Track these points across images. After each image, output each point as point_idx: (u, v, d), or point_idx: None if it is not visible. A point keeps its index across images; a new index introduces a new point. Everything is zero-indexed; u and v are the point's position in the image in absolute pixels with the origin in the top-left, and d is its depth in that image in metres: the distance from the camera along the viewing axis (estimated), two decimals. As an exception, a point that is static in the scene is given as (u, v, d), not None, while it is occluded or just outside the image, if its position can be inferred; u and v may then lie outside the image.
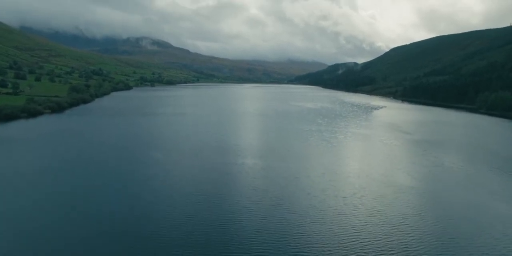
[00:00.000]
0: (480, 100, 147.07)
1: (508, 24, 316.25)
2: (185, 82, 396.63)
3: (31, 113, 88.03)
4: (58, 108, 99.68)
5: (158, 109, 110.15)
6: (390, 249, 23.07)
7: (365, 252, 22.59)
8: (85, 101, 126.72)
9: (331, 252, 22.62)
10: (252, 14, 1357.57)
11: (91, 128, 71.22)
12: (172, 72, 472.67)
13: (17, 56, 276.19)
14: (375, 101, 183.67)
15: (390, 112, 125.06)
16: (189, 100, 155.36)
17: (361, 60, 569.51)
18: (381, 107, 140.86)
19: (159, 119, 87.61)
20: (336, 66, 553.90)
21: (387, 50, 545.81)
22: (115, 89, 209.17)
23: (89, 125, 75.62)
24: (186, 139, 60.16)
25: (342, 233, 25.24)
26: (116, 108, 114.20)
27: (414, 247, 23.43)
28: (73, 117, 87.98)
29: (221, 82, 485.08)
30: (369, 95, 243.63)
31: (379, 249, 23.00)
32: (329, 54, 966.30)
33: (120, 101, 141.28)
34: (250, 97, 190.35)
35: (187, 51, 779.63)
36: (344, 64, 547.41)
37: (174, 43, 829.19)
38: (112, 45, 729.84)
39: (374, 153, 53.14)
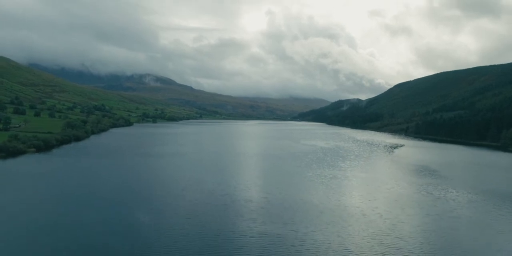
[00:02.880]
0: (506, 137, 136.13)
1: (503, 62, 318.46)
2: (187, 119, 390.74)
3: (11, 153, 77.26)
4: (44, 146, 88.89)
5: (155, 149, 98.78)
6: None
7: None
8: (78, 138, 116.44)
9: None
10: (253, 52, 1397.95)
11: (69, 172, 59.73)
12: (175, 109, 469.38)
13: (21, 92, 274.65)
14: (388, 138, 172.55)
15: (412, 151, 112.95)
16: (190, 138, 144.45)
17: (362, 97, 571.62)
18: (400, 146, 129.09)
19: (154, 161, 75.67)
20: (339, 103, 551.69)
21: (387, 86, 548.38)
22: (115, 125, 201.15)
23: (69, 167, 64.08)
24: (183, 190, 47.74)
25: None
26: (110, 146, 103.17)
27: None
28: (56, 158, 76.35)
29: (224, 118, 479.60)
30: (378, 132, 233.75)
31: None
32: (330, 91, 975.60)
33: (116, 139, 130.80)
34: (256, 135, 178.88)
35: (191, 88, 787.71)
36: (348, 101, 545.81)
37: (177, 80, 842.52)
38: (116, 82, 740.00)
39: (432, 212, 39.88)
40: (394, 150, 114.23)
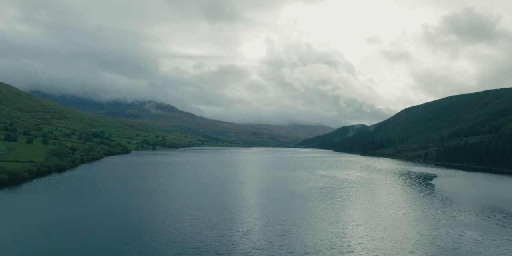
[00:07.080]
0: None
1: (503, 86, 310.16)
2: (189, 146, 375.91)
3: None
4: (9, 180, 72.41)
5: (145, 182, 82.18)
6: None
7: None
8: (60, 169, 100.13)
9: None
10: (253, 79, 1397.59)
11: (15, 218, 43.37)
12: (176, 136, 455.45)
13: (18, 118, 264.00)
14: (410, 166, 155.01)
15: (453, 183, 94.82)
16: (188, 168, 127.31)
17: (363, 123, 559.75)
18: (433, 176, 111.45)
19: (139, 201, 58.83)
20: (344, 129, 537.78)
21: (388, 112, 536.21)
22: (110, 153, 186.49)
23: (19, 211, 47.67)
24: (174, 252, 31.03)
25: None
26: (94, 179, 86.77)
27: None
28: (11, 196, 59.75)
29: (226, 145, 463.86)
30: (393, 159, 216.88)
31: None
32: (331, 117, 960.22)
33: (106, 169, 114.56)
34: (264, 165, 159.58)
35: (193, 115, 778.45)
36: (353, 127, 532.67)
37: (179, 107, 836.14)
38: (118, 109, 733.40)
39: None
40: (431, 181, 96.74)
